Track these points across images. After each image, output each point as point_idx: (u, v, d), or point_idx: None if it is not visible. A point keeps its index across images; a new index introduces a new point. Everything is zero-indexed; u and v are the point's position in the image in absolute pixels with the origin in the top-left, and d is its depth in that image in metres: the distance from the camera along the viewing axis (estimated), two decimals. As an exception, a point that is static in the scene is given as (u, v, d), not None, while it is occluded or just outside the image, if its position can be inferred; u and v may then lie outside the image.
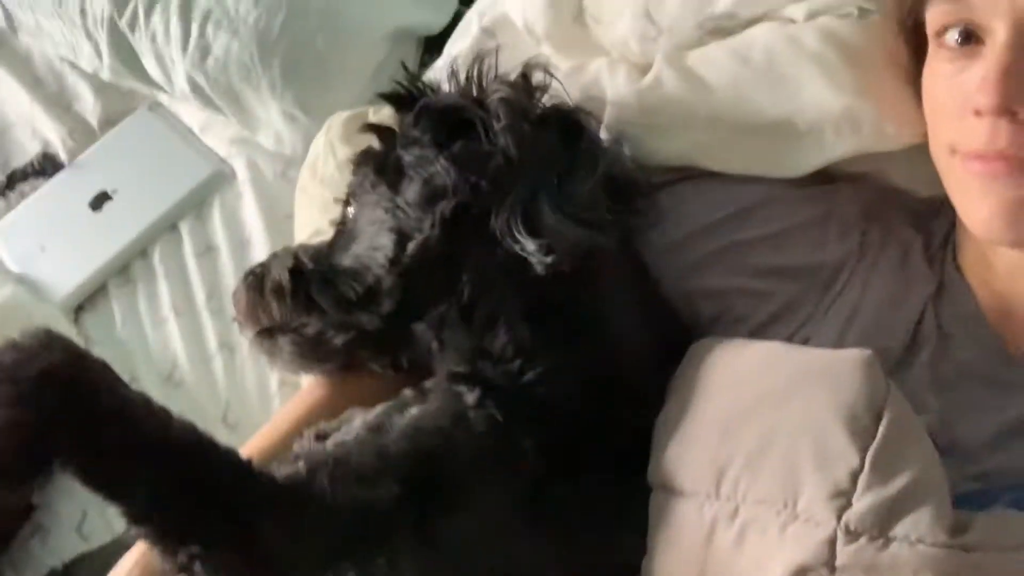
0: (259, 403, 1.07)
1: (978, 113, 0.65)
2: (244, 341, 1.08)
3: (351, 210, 0.77)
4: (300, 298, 0.76)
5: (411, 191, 0.72)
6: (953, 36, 0.68)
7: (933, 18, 0.70)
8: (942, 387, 0.72)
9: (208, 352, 1.12)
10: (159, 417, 0.61)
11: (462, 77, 0.75)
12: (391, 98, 0.77)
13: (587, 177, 0.71)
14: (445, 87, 0.76)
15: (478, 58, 0.75)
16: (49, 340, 0.60)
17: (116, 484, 0.59)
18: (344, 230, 0.78)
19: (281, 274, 0.77)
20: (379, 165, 0.75)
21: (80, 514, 1.03)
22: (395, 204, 0.72)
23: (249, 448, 0.78)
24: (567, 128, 0.74)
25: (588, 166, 0.71)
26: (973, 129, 0.66)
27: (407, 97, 0.77)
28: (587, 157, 0.72)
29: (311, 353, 0.78)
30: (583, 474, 0.68)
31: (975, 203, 0.68)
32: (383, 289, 0.72)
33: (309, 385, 0.84)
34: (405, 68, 0.78)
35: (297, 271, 0.77)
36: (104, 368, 0.61)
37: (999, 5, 0.64)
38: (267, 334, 0.79)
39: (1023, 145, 0.64)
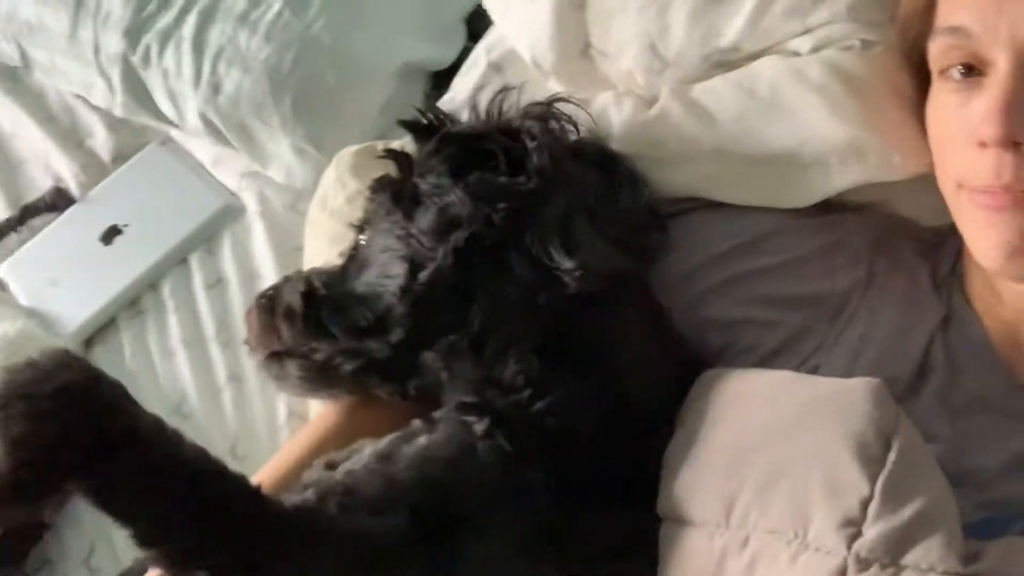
0: (267, 435, 1.07)
1: (983, 145, 0.65)
2: (253, 373, 1.09)
3: (364, 237, 0.78)
4: (311, 323, 0.76)
5: (425, 219, 0.72)
6: (956, 68, 0.69)
7: (935, 51, 0.71)
8: (952, 416, 0.72)
9: (217, 384, 1.12)
10: (172, 440, 0.62)
11: (483, 108, 0.77)
12: (412, 126, 0.78)
13: (628, 201, 0.73)
14: (465, 117, 0.78)
15: (502, 90, 0.76)
16: (66, 359, 0.61)
17: (126, 505, 0.60)
18: (357, 256, 0.78)
19: (293, 298, 0.78)
20: (396, 193, 0.75)
21: (88, 547, 1.02)
22: (409, 232, 0.73)
23: (259, 476, 0.77)
24: (601, 156, 0.76)
25: (627, 191, 0.73)
26: (978, 161, 0.66)
27: (427, 126, 0.78)
28: (625, 183, 0.74)
29: (319, 379, 0.78)
30: (592, 506, 0.68)
31: (982, 235, 0.68)
32: (394, 317, 0.73)
33: (319, 415, 0.84)
34: (418, 110, 0.79)
35: (309, 296, 0.77)
36: (119, 389, 0.62)
37: (1000, 36, 0.65)
38: (276, 358, 0.79)
39: None
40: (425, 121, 0.78)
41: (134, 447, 0.59)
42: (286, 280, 0.81)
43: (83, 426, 0.58)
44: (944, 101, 0.71)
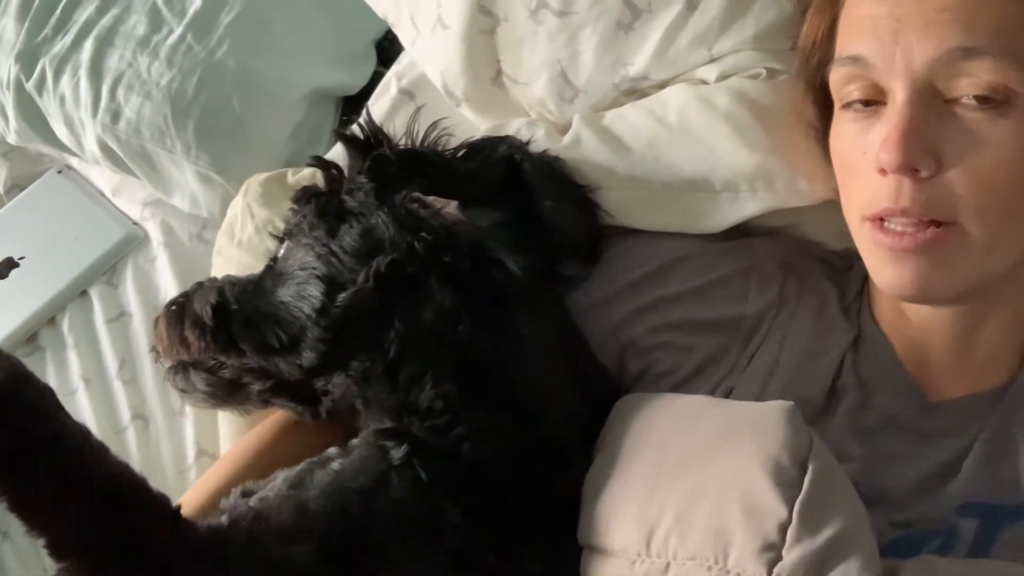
0: (175, 476, 1.04)
1: (883, 171, 0.67)
2: (159, 412, 1.06)
3: (282, 249, 0.76)
4: (220, 337, 0.75)
5: (349, 238, 0.71)
6: (855, 97, 0.70)
7: (836, 80, 0.72)
8: (863, 436, 0.73)
9: (120, 424, 1.08)
10: (96, 451, 0.60)
11: (413, 132, 0.78)
12: (348, 139, 0.77)
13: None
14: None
15: (436, 122, 0.78)
16: None
17: (44, 513, 0.58)
18: (274, 269, 0.76)
19: (203, 309, 0.75)
20: (321, 207, 0.74)
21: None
22: (330, 250, 0.72)
23: (183, 498, 0.77)
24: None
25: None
26: (879, 187, 0.68)
27: (364, 142, 0.77)
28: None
29: (226, 394, 0.77)
30: (511, 536, 0.68)
31: (885, 271, 0.70)
32: (308, 340, 0.71)
33: (247, 437, 0.83)
34: (359, 124, 0.79)
35: (220, 308, 0.75)
36: (48, 393, 0.60)
37: (897, 66, 0.66)
38: (183, 369, 0.78)
39: (925, 203, 0.66)
40: (362, 136, 0.77)
41: (56, 453, 0.58)
42: (198, 287, 0.79)
43: (5, 426, 0.56)
44: (846, 129, 0.72)
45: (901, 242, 0.67)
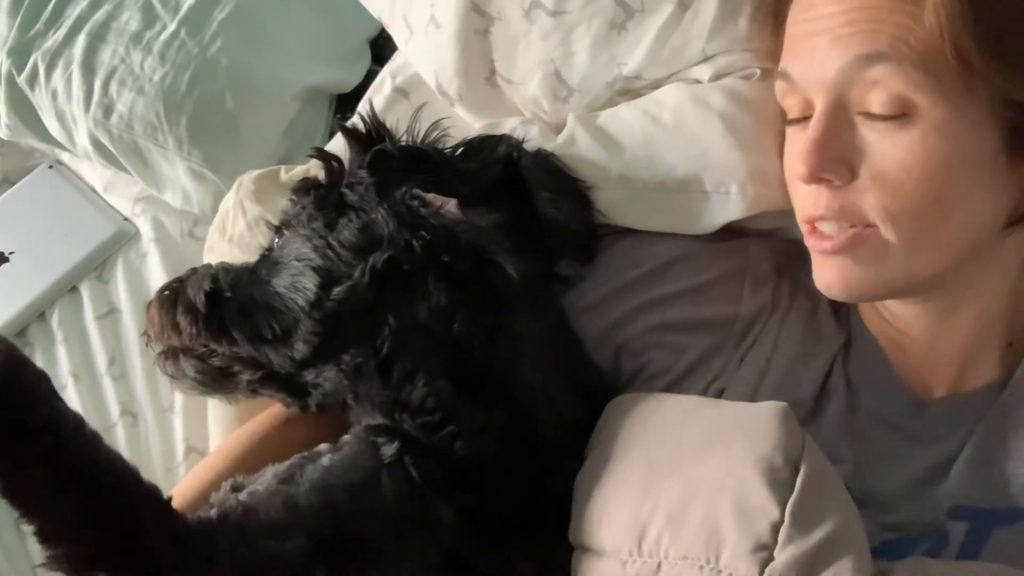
0: (164, 473, 1.04)
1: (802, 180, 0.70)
2: (148, 408, 1.06)
3: (279, 240, 0.76)
4: (213, 324, 0.74)
5: (347, 232, 0.71)
6: (792, 110, 0.74)
7: (777, 94, 0.75)
8: (854, 437, 0.73)
9: (109, 420, 1.08)
10: (90, 439, 0.60)
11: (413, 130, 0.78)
12: (350, 132, 0.77)
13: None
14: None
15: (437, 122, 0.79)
16: None
17: (35, 498, 0.58)
18: (270, 258, 0.76)
19: (197, 295, 0.75)
20: (320, 199, 0.74)
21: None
22: (328, 242, 0.72)
23: (175, 490, 0.76)
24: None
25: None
26: (806, 196, 0.72)
27: (365, 136, 0.76)
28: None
29: (214, 383, 0.77)
30: (502, 536, 0.67)
31: (817, 272, 0.73)
32: (300, 332, 0.71)
33: (230, 437, 0.83)
34: (361, 117, 0.78)
35: (213, 296, 0.75)
36: (44, 379, 0.60)
37: (814, 80, 0.70)
38: (173, 354, 0.77)
39: (839, 210, 0.69)
40: (363, 129, 0.77)
41: (51, 440, 0.57)
42: (192, 272, 0.78)
43: (0, 411, 0.56)
44: (790, 140, 0.76)
45: (822, 245, 0.71)
